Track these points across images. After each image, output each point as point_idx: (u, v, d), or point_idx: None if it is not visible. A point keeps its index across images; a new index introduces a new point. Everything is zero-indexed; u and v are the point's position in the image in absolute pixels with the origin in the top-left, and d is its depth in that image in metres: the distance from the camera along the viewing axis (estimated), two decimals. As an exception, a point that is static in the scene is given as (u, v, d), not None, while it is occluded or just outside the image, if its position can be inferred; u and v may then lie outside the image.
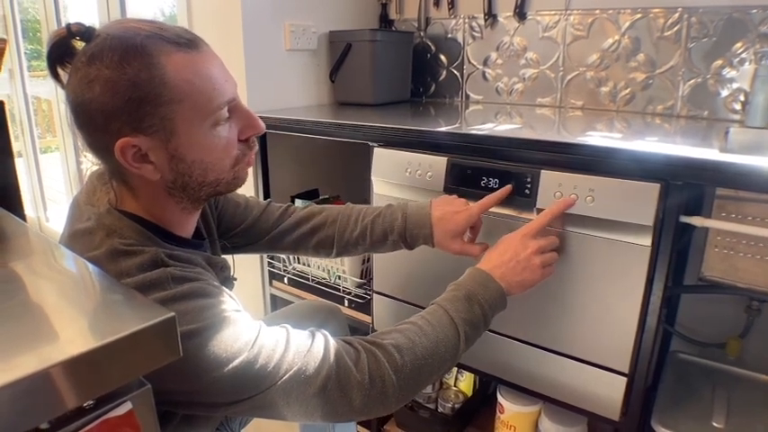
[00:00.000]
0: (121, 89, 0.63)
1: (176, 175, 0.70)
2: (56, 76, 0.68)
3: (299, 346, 0.69)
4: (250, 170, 0.78)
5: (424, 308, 0.82)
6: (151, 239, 0.70)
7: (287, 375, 0.66)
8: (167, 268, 0.66)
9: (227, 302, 0.68)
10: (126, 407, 0.41)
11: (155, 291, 0.64)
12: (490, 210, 0.96)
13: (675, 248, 0.91)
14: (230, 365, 0.63)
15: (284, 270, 1.55)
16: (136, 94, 0.63)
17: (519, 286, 0.84)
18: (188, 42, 0.67)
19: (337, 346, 0.72)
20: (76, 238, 0.71)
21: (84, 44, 0.66)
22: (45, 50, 0.68)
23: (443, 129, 1.11)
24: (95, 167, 0.81)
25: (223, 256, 0.90)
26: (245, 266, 1.59)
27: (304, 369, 0.67)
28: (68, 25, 0.65)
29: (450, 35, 1.75)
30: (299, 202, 1.52)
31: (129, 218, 0.71)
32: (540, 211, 0.93)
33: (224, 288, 0.71)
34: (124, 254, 0.66)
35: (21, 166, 3.05)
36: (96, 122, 0.65)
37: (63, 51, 0.66)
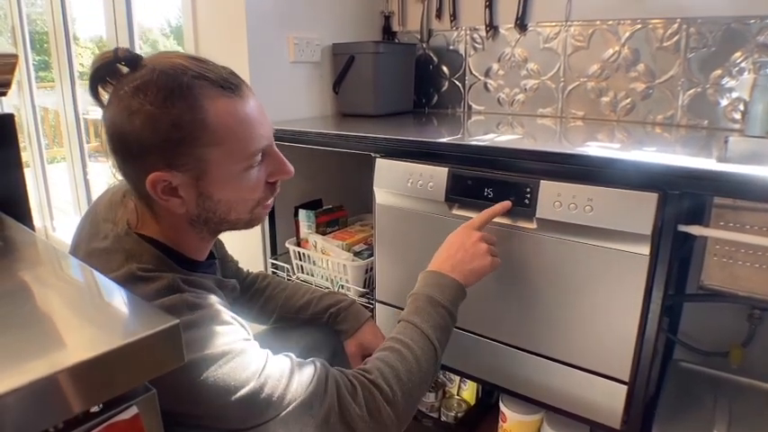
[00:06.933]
0: (162, 127, 0.64)
1: (201, 211, 0.72)
2: (95, 95, 0.70)
3: (302, 377, 0.71)
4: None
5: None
6: (167, 264, 0.72)
7: (291, 407, 0.68)
8: (183, 294, 0.68)
9: (238, 331, 0.70)
10: (132, 411, 0.42)
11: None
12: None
13: (675, 257, 0.92)
14: (238, 394, 0.64)
15: (288, 279, 1.56)
16: (176, 134, 0.65)
17: (473, 275, 0.88)
18: (232, 87, 0.68)
19: (337, 379, 0.74)
20: (94, 257, 0.73)
21: (127, 69, 0.67)
22: (89, 70, 0.69)
23: (444, 139, 1.12)
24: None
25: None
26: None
27: (307, 401, 0.69)
28: (116, 49, 0.67)
29: (452, 47, 1.77)
30: (302, 213, 1.53)
31: (148, 241, 0.72)
32: (539, 220, 0.95)
33: (235, 317, 0.73)
34: (142, 279, 0.68)
35: (28, 176, 3.05)
36: (132, 153, 0.67)
37: (106, 72, 0.68)
